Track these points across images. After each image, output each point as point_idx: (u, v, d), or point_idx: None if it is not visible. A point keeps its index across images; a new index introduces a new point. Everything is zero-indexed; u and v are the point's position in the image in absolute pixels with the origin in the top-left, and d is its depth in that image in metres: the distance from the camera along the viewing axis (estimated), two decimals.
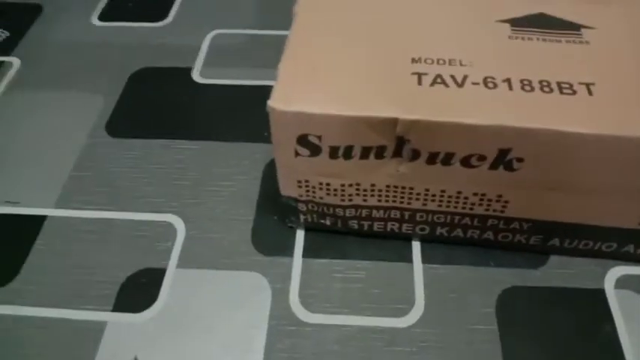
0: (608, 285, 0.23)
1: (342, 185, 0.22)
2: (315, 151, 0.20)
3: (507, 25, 0.22)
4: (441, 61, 0.21)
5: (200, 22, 0.37)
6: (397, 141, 0.20)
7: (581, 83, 0.20)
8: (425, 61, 0.21)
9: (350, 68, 0.20)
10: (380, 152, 0.20)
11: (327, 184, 0.22)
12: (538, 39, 0.22)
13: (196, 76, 0.33)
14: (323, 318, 0.22)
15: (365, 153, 0.20)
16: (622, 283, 0.23)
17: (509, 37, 0.22)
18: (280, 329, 0.22)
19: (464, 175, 0.20)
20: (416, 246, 0.24)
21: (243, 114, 0.30)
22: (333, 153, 0.20)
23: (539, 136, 0.19)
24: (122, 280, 0.24)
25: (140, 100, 0.32)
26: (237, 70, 0.33)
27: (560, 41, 0.22)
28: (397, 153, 0.20)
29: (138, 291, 0.23)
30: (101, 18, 0.38)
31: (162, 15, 0.38)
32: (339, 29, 0.22)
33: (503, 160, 0.20)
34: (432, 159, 0.20)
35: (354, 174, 0.21)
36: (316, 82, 0.20)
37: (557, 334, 0.22)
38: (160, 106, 0.31)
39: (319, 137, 0.20)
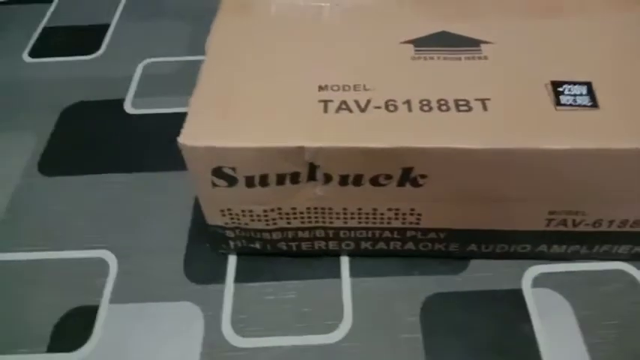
0: (526, 284, 0.24)
1: (265, 211, 0.23)
2: (231, 181, 0.21)
3: (411, 46, 0.23)
4: (346, 87, 0.22)
5: (132, 52, 0.37)
6: (309, 167, 0.21)
7: (477, 99, 0.21)
8: (331, 88, 0.22)
9: (260, 100, 0.21)
10: (295, 178, 0.21)
11: (250, 211, 0.23)
12: (439, 58, 0.23)
13: (128, 108, 0.33)
14: (254, 342, 0.23)
15: (280, 180, 0.21)
16: (538, 281, 0.24)
17: (412, 57, 0.23)
18: (213, 356, 0.22)
19: (376, 194, 0.21)
20: (344, 261, 0.25)
21: (175, 142, 0.31)
22: (250, 182, 0.21)
23: (435, 153, 0.20)
24: (56, 321, 0.24)
25: (72, 136, 0.32)
26: (169, 99, 0.34)
27: (459, 59, 0.23)
28: (311, 177, 0.21)
29: (72, 330, 0.24)
30: (32, 54, 0.37)
31: (95, 47, 0.38)
32: (249, 62, 0.23)
33: (408, 177, 0.21)
34: (343, 181, 0.21)
35: (273, 200, 0.22)
36: (227, 116, 0.21)
37: (478, 338, 0.23)
38: (92, 140, 0.31)
39: (233, 168, 0.21)
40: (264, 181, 0.21)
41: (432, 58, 0.23)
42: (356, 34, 0.24)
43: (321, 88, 0.22)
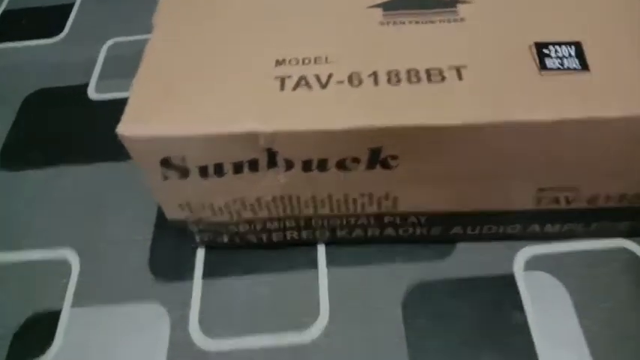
0: (517, 268, 0.22)
1: (227, 203, 0.21)
2: (183, 172, 0.19)
3: (379, 10, 0.21)
4: (306, 61, 0.19)
5: (97, 32, 0.35)
6: (267, 153, 0.19)
7: (451, 67, 0.19)
8: (289, 62, 0.19)
9: (209, 80, 0.19)
10: (254, 165, 0.19)
11: (211, 204, 0.21)
12: (410, 22, 0.20)
13: (92, 93, 0.31)
14: (224, 344, 0.21)
15: (237, 168, 0.19)
16: (531, 264, 0.23)
17: (381, 23, 0.20)
18: None
19: (345, 179, 0.19)
20: (321, 250, 0.23)
21: None
22: (203, 172, 0.19)
23: (403, 132, 0.17)
24: (15, 329, 0.22)
25: (34, 127, 0.30)
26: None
27: (433, 22, 0.20)
28: (272, 164, 0.19)
29: (32, 338, 0.22)
30: None
31: (58, 29, 0.36)
32: (199, 37, 0.20)
33: (377, 159, 0.19)
34: (307, 167, 0.19)
35: (233, 190, 0.20)
36: (172, 100, 0.19)
37: (466, 328, 0.21)
38: (54, 131, 0.30)
39: (183, 158, 0.19)
40: (219, 170, 0.19)
41: (402, 23, 0.20)
42: (317, 1, 0.22)
43: (278, 62, 0.19)
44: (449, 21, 0.20)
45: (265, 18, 0.21)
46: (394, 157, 0.19)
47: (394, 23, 0.20)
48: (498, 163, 0.19)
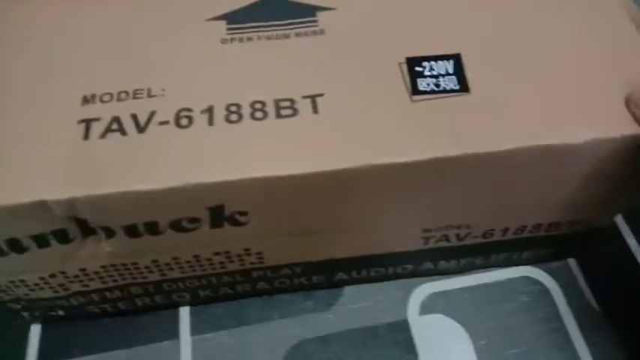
0: (412, 312, 0.19)
1: (42, 278, 0.16)
2: None
3: (222, 24, 0.17)
4: (122, 95, 0.15)
5: None
6: (75, 221, 0.14)
7: (306, 97, 0.15)
8: (101, 98, 0.15)
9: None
10: (62, 237, 0.15)
11: (22, 281, 0.16)
12: (260, 37, 0.16)
13: None
14: None
15: (41, 242, 0.15)
16: (428, 306, 0.20)
17: (223, 40, 0.16)
18: None
19: (188, 240, 0.15)
20: (184, 314, 0.20)
21: None
22: None
23: (246, 186, 0.14)
24: None
25: None
26: None
27: (288, 36, 0.16)
28: (87, 232, 0.15)
29: None
30: None
31: None
32: None
33: (222, 217, 0.15)
34: (132, 232, 0.15)
35: (46, 265, 0.16)
36: None
37: None
38: None
39: None
40: (16, 246, 0.15)
41: (250, 39, 0.16)
42: (145, 10, 0.17)
43: (85, 99, 0.15)
44: (307, 34, 0.16)
45: (76, 35, 0.16)
46: (243, 214, 0.15)
47: (240, 40, 0.16)
48: (367, 210, 0.15)
